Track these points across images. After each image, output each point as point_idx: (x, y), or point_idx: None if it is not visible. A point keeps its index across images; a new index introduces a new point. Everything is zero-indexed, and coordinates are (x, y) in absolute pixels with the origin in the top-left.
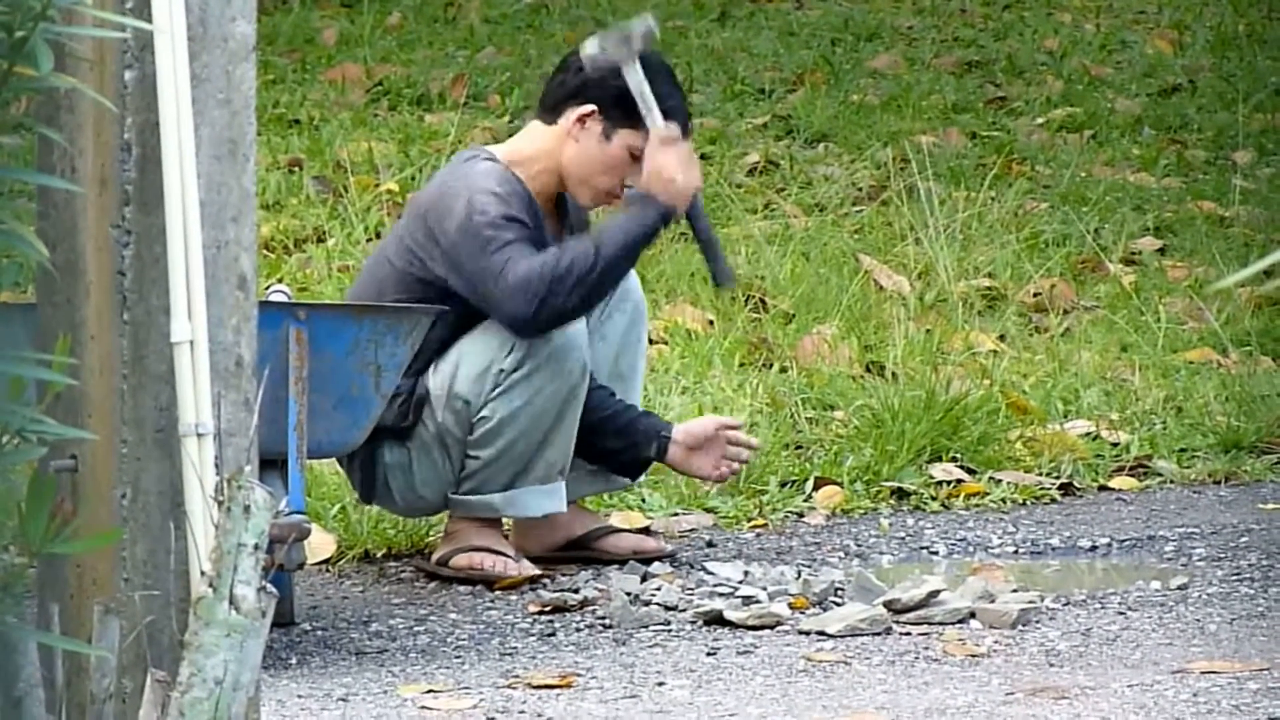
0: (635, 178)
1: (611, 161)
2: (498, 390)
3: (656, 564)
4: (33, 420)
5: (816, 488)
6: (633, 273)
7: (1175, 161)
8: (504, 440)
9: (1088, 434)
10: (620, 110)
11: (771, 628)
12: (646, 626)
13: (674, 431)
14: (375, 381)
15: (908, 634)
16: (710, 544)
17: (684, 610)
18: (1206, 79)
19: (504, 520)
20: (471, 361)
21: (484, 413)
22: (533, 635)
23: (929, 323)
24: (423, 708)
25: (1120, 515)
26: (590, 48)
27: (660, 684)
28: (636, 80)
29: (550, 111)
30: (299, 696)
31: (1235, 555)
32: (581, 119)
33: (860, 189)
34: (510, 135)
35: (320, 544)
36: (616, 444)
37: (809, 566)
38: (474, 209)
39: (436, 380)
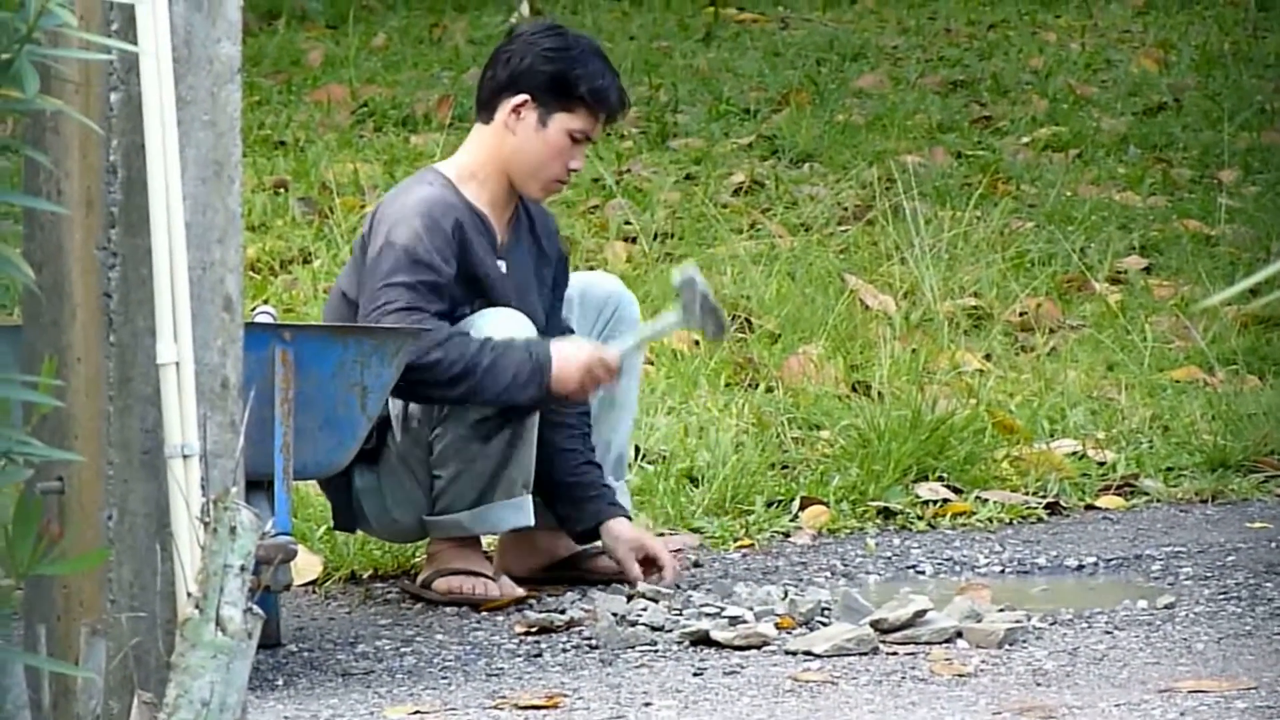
0: (579, 159)
1: (551, 148)
2: (446, 410)
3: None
4: (19, 442)
5: (803, 507)
6: (630, 298)
7: (1161, 180)
8: (462, 459)
9: (1074, 453)
10: (552, 95)
11: (758, 648)
12: (633, 647)
13: (613, 524)
14: (361, 402)
15: (894, 654)
16: (696, 564)
17: (670, 630)
18: (1192, 97)
19: (484, 540)
20: None
21: (437, 431)
22: (519, 656)
23: (915, 342)
24: None
25: (1107, 534)
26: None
27: (647, 704)
28: (668, 323)
29: (486, 109)
30: (285, 718)
31: (1222, 574)
32: (516, 109)
33: (845, 208)
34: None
35: (306, 565)
36: (565, 510)
37: (795, 586)
38: (392, 237)
39: (394, 403)
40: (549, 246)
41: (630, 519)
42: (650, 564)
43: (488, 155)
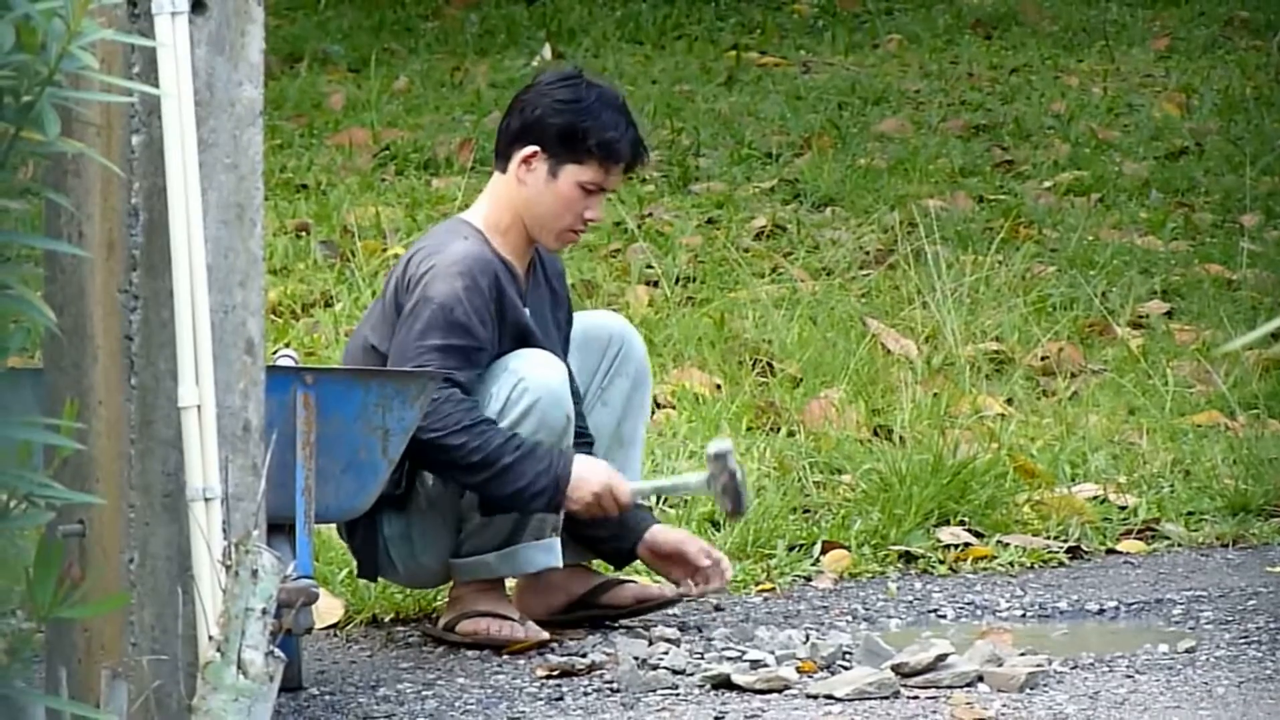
0: (596, 209)
1: (563, 200)
2: None
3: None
4: (41, 485)
5: (824, 551)
6: (635, 336)
7: (1183, 224)
8: None
9: (1095, 497)
10: (562, 146)
11: (779, 691)
12: (654, 690)
13: (647, 535)
14: (383, 445)
15: (915, 697)
16: (718, 607)
17: (691, 674)
18: (1214, 142)
19: (507, 583)
20: None
21: None
22: (540, 699)
23: (936, 386)
24: None
25: (1128, 578)
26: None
27: None
28: (690, 485)
29: (502, 158)
30: None
31: (1243, 618)
32: (526, 160)
33: (867, 253)
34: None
35: (328, 608)
36: (603, 532)
37: (817, 630)
38: (429, 292)
39: None
40: (559, 288)
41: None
42: (682, 563)
43: (506, 205)
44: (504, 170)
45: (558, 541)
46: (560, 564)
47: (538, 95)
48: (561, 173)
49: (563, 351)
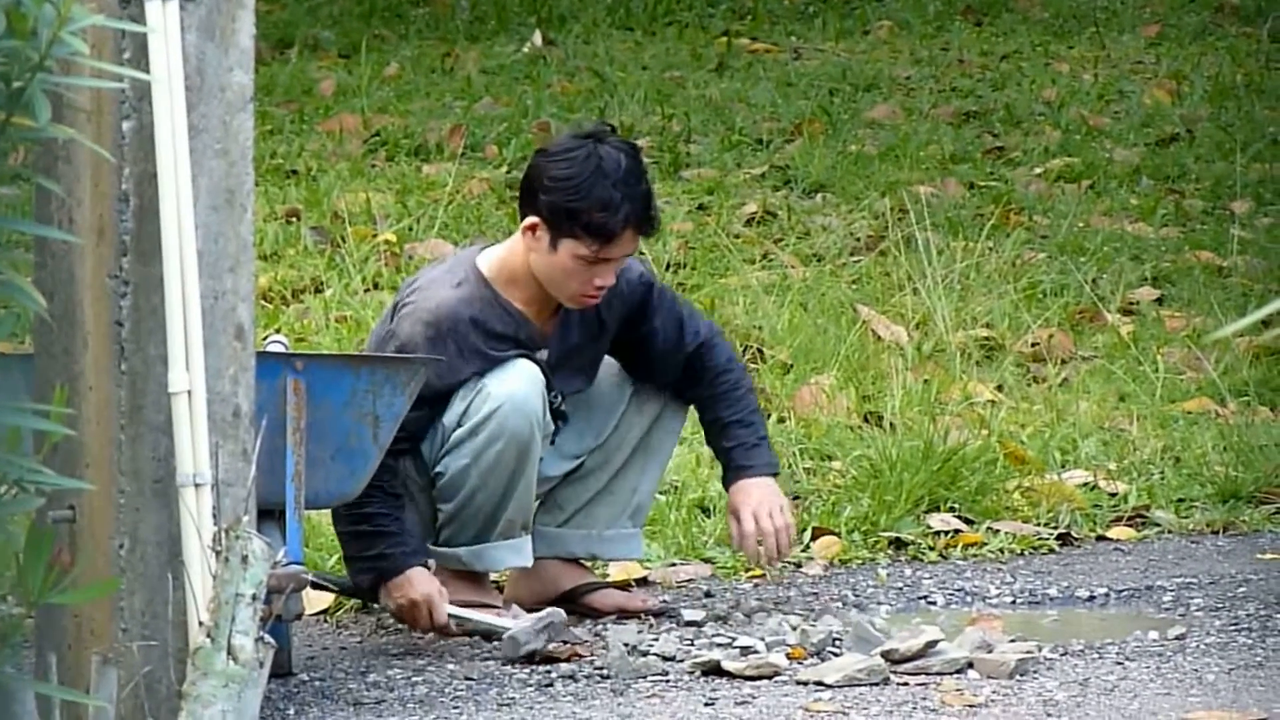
0: (606, 277)
1: (565, 270)
2: (445, 447)
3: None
4: (31, 470)
5: (814, 538)
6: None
7: (1173, 211)
8: (461, 496)
9: (1085, 484)
10: (558, 221)
11: (769, 678)
12: (644, 677)
13: (741, 483)
14: (373, 432)
15: (905, 684)
16: (708, 594)
17: (682, 660)
18: (1204, 129)
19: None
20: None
21: (438, 468)
22: (530, 686)
23: (927, 373)
24: None
25: (1118, 565)
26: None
27: None
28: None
29: (520, 216)
30: None
31: (1233, 605)
32: (531, 229)
33: (858, 239)
34: (509, 187)
35: (317, 594)
36: (730, 443)
37: (807, 617)
38: (398, 330)
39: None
40: (609, 315)
41: (773, 475)
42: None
43: (521, 262)
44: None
45: (528, 541)
46: (530, 563)
47: (539, 167)
48: (560, 246)
49: (634, 355)
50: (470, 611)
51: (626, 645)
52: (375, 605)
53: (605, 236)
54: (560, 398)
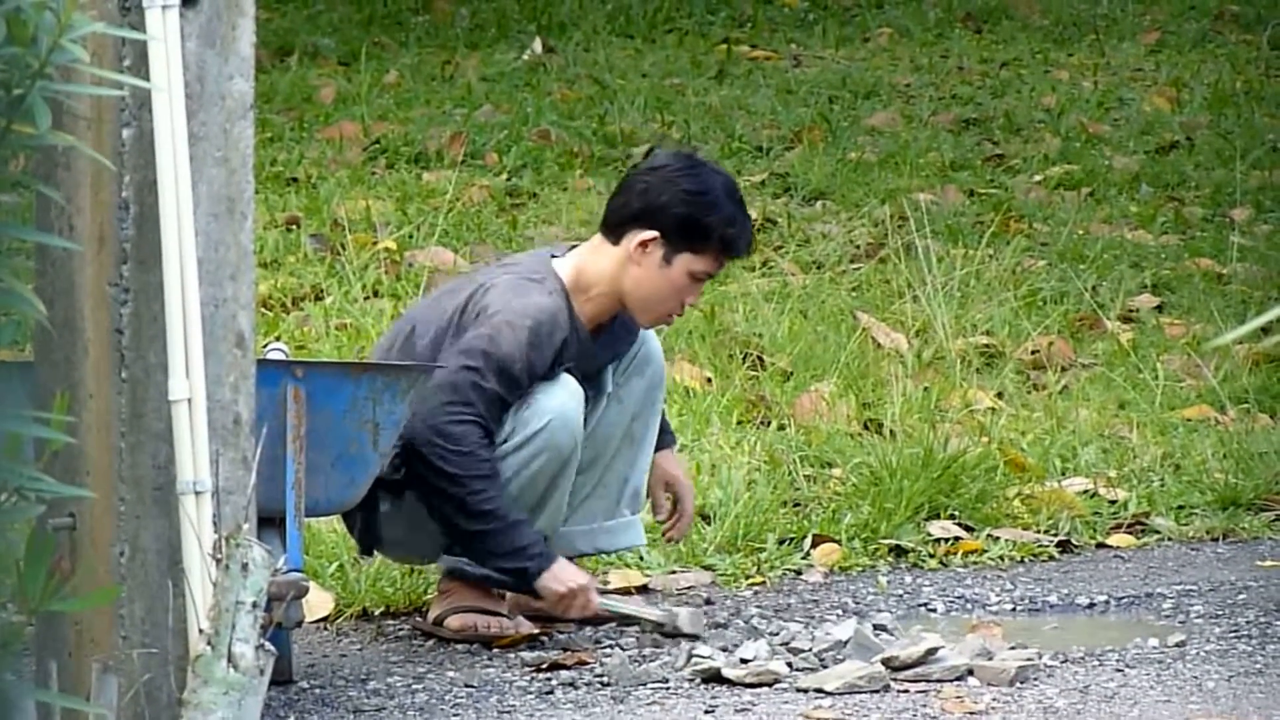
0: (694, 296)
1: (673, 286)
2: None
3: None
4: (31, 478)
5: (815, 545)
6: (654, 337)
7: (1173, 219)
8: None
9: (1085, 491)
10: (680, 235)
11: (769, 685)
12: (644, 684)
13: (656, 455)
14: (373, 439)
15: (905, 691)
16: (708, 601)
17: (682, 668)
18: (1204, 136)
19: None
20: None
21: None
22: (530, 693)
23: (927, 380)
24: None
25: (1118, 572)
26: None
27: None
28: (653, 615)
29: (613, 232)
30: None
31: (1233, 612)
32: (644, 244)
33: (858, 246)
34: (509, 194)
35: (318, 602)
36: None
37: (807, 624)
38: (496, 335)
39: None
40: (619, 328)
41: (674, 448)
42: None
43: (607, 277)
44: (614, 243)
45: (553, 550)
46: None
47: (663, 181)
48: (676, 260)
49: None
50: (619, 601)
51: (627, 652)
52: (526, 593)
53: (731, 251)
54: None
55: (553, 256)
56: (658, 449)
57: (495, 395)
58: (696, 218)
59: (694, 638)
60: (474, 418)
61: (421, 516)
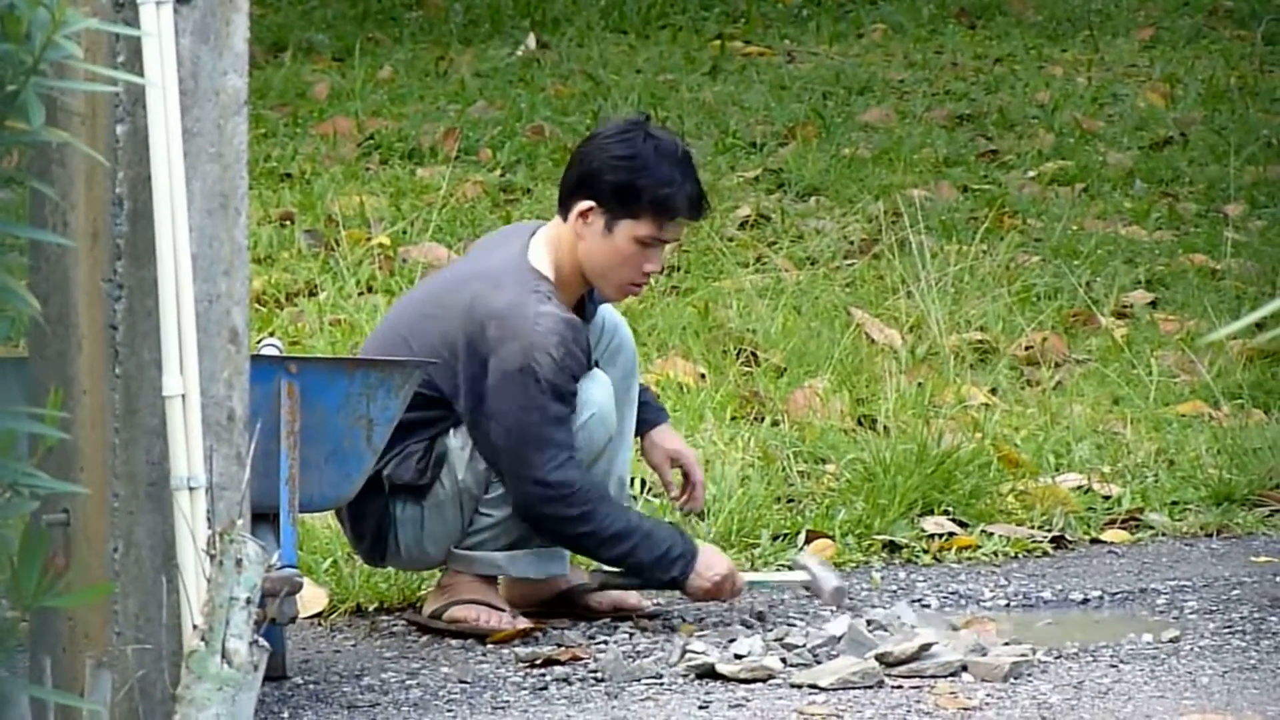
0: (655, 262)
1: (619, 254)
2: None
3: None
4: (25, 474)
5: (808, 541)
6: (625, 326)
7: (1167, 214)
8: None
9: (1079, 487)
10: (615, 200)
11: (763, 681)
12: (639, 680)
13: (654, 432)
14: (367, 435)
15: (899, 687)
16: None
17: (676, 663)
18: (1198, 132)
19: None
20: None
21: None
22: (525, 689)
23: (921, 376)
24: None
25: (1112, 568)
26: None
27: None
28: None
29: (562, 207)
30: None
31: (1227, 608)
32: (584, 214)
33: (852, 242)
34: (503, 190)
35: (312, 598)
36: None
37: (801, 620)
38: (534, 365)
39: (458, 439)
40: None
41: (669, 423)
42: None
43: (567, 254)
44: (564, 219)
45: (565, 549)
46: (567, 571)
47: (595, 149)
48: (617, 228)
49: None
50: (765, 575)
51: (621, 648)
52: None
53: (668, 213)
54: None
55: (526, 253)
56: (652, 426)
57: (562, 417)
58: (627, 182)
59: (839, 595)
60: (562, 454)
61: (438, 519)
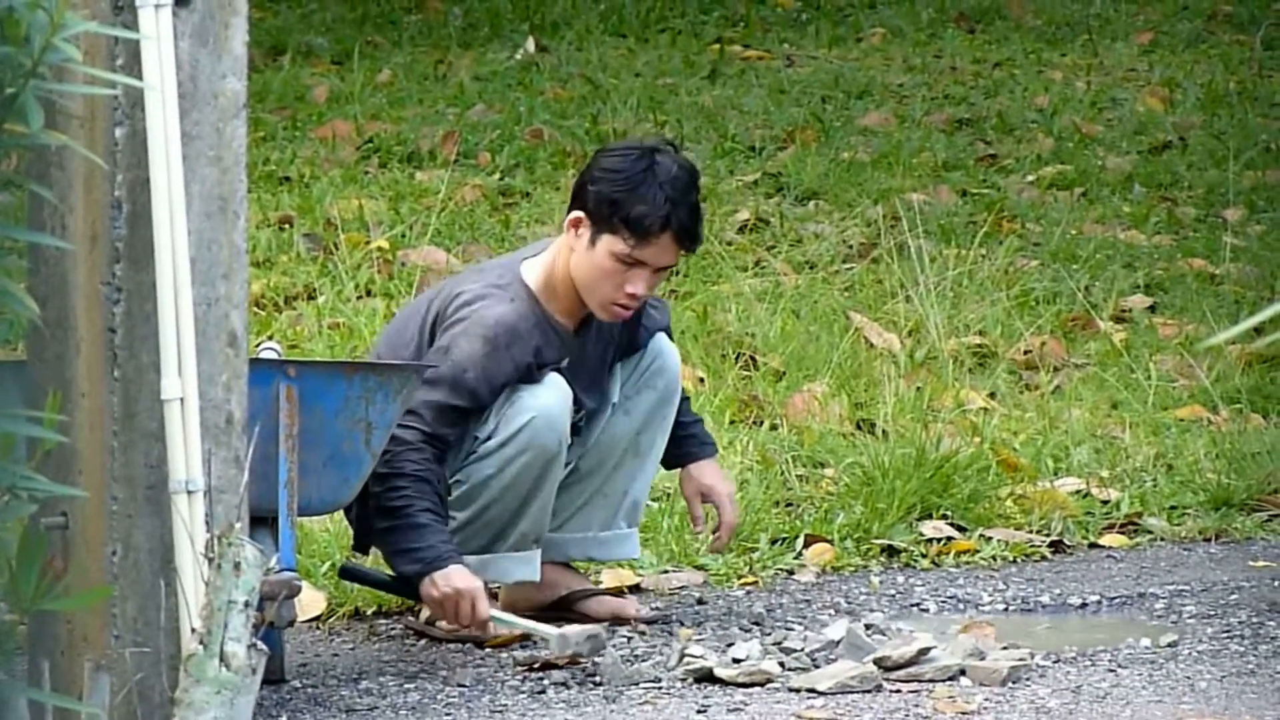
0: (638, 284)
1: (599, 269)
2: (472, 457)
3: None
4: (23, 477)
5: (807, 545)
6: (672, 353)
7: (1166, 219)
8: (477, 505)
9: (1078, 491)
10: (597, 211)
11: (761, 685)
12: (637, 684)
13: (693, 466)
14: (366, 438)
15: (898, 691)
16: (701, 601)
17: (674, 667)
18: (1197, 136)
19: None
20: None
21: (458, 476)
22: (523, 693)
23: (919, 380)
24: None
25: (1110, 572)
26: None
27: None
28: (545, 632)
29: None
30: None
31: (1225, 613)
32: (574, 224)
33: (851, 246)
34: (502, 194)
35: (310, 601)
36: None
37: (799, 624)
38: (453, 346)
39: None
40: (637, 332)
41: (714, 458)
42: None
43: (562, 267)
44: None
45: (537, 554)
46: (538, 577)
47: (598, 159)
48: (599, 241)
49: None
50: (512, 616)
51: (619, 652)
52: (413, 602)
53: (642, 234)
54: (581, 413)
55: (525, 259)
56: (696, 459)
57: (444, 405)
58: (609, 195)
59: (576, 659)
60: (414, 424)
61: None
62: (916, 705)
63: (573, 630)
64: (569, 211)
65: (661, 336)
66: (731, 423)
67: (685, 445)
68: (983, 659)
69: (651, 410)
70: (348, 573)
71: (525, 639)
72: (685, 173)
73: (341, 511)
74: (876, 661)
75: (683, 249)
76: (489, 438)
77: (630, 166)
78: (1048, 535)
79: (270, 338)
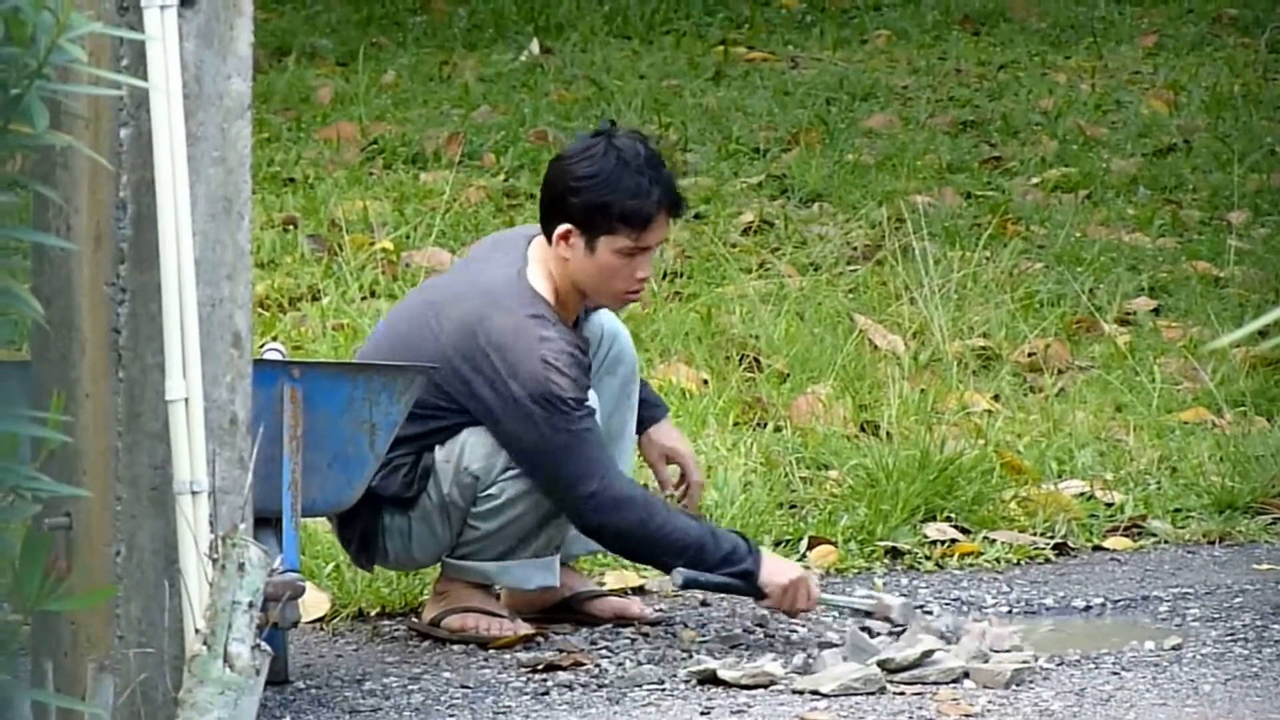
0: (645, 267)
1: (607, 270)
2: (510, 471)
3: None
4: (27, 477)
5: (811, 547)
6: (625, 334)
7: (1170, 222)
8: (508, 516)
9: (1082, 494)
10: (588, 221)
11: (765, 687)
12: (640, 685)
13: (653, 429)
14: (370, 440)
15: (901, 694)
16: (704, 603)
17: (677, 669)
18: (1202, 139)
19: None
20: (484, 438)
21: (492, 490)
22: (526, 694)
23: (923, 382)
24: None
25: (1114, 575)
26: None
27: None
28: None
29: (545, 230)
30: None
31: (1229, 616)
32: (563, 237)
33: (855, 248)
34: (506, 195)
35: (314, 602)
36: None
37: (803, 625)
38: (552, 389)
39: (443, 453)
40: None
41: (668, 418)
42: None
43: (560, 274)
44: (549, 241)
45: (556, 560)
46: (557, 583)
47: (562, 171)
48: (598, 245)
49: None
50: (839, 596)
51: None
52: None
53: (642, 223)
54: None
55: (520, 273)
56: (649, 423)
57: (591, 430)
58: (594, 203)
59: (903, 627)
60: (603, 466)
61: (426, 530)
62: (920, 708)
63: (899, 604)
64: (550, 226)
65: (607, 316)
66: (736, 425)
67: (640, 410)
68: (986, 661)
69: (617, 393)
70: (690, 583)
71: (527, 640)
72: (644, 145)
73: (336, 537)
74: (880, 664)
75: (674, 218)
76: None
77: (602, 166)
78: (1052, 538)
79: (275, 339)
